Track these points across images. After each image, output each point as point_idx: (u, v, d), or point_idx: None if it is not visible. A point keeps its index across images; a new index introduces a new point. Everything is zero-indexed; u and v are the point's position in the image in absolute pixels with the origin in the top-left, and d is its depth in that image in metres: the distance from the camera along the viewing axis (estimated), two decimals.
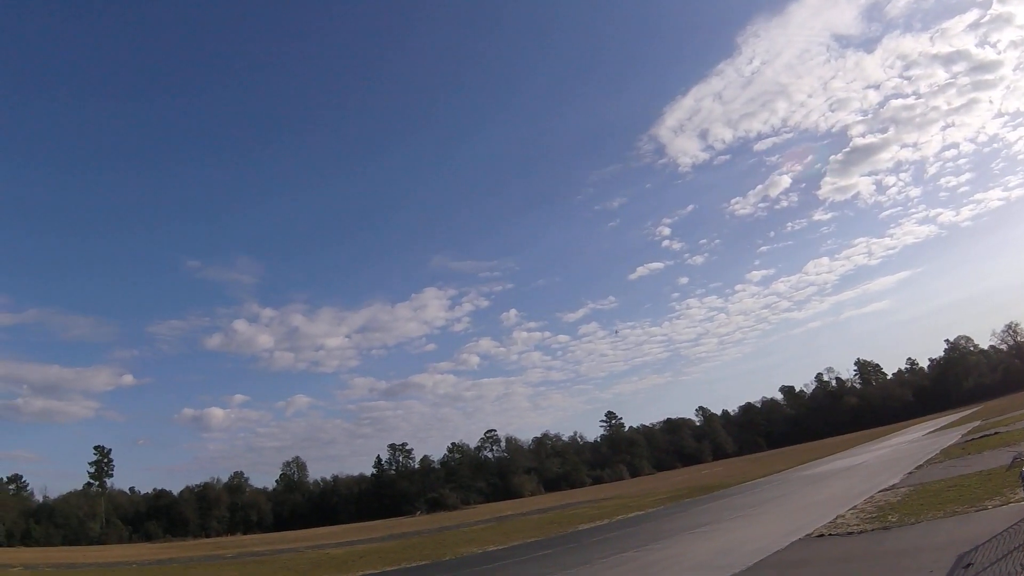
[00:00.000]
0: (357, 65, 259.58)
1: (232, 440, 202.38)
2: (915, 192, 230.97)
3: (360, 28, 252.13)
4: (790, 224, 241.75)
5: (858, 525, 15.88)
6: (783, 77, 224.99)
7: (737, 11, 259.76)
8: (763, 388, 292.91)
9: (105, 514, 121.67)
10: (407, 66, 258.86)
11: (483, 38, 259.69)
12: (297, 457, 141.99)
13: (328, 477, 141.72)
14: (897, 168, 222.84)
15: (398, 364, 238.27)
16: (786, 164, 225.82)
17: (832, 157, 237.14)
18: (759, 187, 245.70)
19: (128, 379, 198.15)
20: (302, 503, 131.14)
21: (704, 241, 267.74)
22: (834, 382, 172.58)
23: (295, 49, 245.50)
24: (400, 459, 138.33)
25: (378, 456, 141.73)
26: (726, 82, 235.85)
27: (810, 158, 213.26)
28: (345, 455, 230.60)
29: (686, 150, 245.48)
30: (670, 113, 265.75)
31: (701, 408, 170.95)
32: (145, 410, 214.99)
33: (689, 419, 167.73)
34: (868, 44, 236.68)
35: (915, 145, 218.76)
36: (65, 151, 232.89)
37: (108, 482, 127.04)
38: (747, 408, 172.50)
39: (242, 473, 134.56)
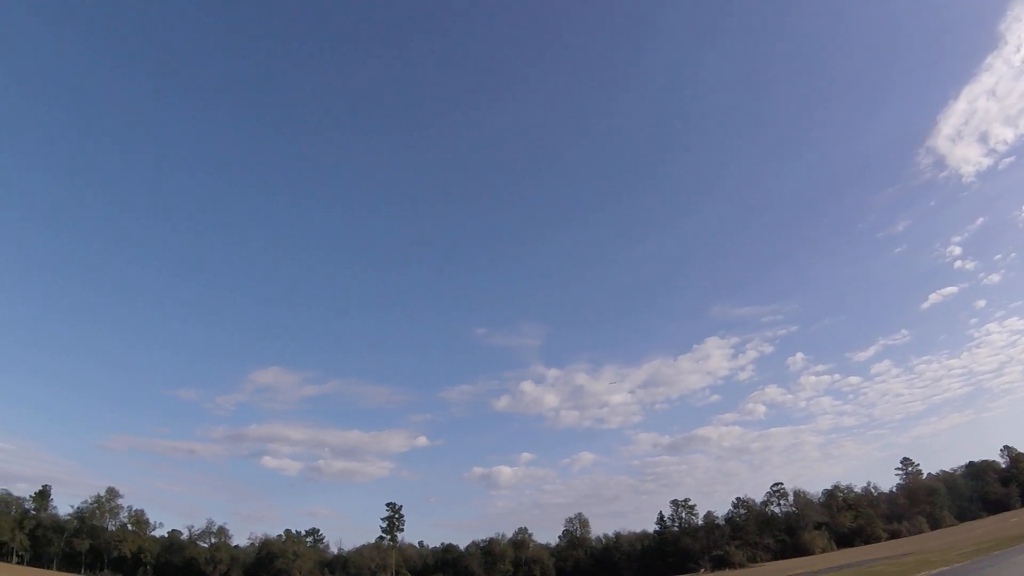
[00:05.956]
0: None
1: (518, 497, 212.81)
2: None
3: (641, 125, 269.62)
4: None
5: None
6: None
7: None
8: None
9: (395, 566, 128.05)
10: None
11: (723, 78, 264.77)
12: (580, 513, 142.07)
13: (610, 533, 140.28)
14: None
15: (682, 418, 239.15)
16: None
17: None
18: None
19: (422, 441, 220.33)
20: (584, 559, 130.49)
21: (999, 256, 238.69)
22: None
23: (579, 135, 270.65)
24: (683, 515, 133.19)
25: (660, 512, 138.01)
26: (997, 76, 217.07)
27: None
28: (628, 511, 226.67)
29: (967, 158, 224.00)
30: (944, 120, 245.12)
31: (1007, 447, 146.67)
32: (437, 469, 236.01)
33: (993, 461, 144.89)
34: None
35: None
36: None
37: (399, 536, 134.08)
38: None
39: (526, 529, 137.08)
